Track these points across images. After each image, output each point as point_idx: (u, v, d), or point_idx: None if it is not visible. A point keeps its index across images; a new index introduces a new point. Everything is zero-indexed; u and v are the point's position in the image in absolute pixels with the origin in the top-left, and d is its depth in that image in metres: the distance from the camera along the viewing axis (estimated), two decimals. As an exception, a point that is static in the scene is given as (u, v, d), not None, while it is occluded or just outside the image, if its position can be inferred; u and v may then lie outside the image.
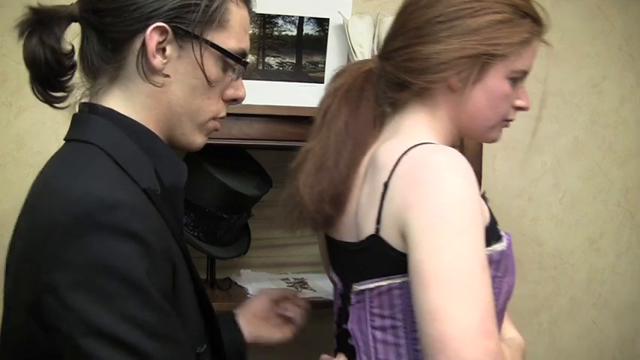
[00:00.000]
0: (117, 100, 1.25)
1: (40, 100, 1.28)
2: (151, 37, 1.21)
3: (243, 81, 2.08)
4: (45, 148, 2.22)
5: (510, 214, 2.67)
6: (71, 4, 1.27)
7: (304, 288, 2.21)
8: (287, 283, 2.26)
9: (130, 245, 1.06)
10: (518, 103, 1.49)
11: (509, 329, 1.58)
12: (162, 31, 1.21)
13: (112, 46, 1.24)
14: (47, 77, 1.25)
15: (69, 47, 1.27)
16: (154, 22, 1.21)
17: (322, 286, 2.20)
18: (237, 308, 1.72)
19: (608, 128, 2.77)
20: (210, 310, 1.36)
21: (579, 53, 2.72)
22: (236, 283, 2.25)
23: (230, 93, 1.33)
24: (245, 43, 1.31)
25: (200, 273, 2.20)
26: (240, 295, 2.13)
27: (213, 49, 1.26)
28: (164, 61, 1.23)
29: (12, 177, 2.22)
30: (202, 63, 1.24)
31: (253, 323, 1.69)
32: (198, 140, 1.33)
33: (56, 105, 1.29)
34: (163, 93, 1.25)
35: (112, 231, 1.06)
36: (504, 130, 1.54)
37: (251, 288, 2.17)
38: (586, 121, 2.75)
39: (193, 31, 1.23)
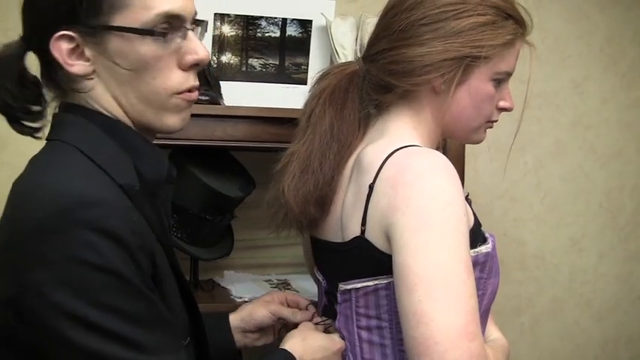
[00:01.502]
0: (85, 102, 1.24)
1: (22, 134, 1.27)
2: (56, 47, 1.18)
3: (227, 82, 2.10)
4: (28, 149, 2.16)
5: (492, 215, 2.68)
6: (19, 36, 1.25)
7: (287, 289, 2.21)
8: (270, 284, 2.26)
9: (106, 241, 1.07)
10: (502, 104, 1.50)
11: (492, 330, 1.59)
12: (68, 37, 1.18)
13: (46, 67, 1.23)
14: (15, 115, 1.25)
15: (32, 78, 1.26)
16: (55, 33, 1.17)
17: (305, 286, 2.20)
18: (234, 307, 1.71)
19: (590, 129, 2.79)
20: (193, 304, 1.36)
21: (561, 54, 2.74)
22: (219, 285, 2.25)
23: (187, 59, 1.24)
24: (166, 5, 1.20)
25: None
26: (223, 296, 2.14)
27: (126, 33, 1.18)
28: (87, 64, 1.20)
29: None
30: (109, 52, 1.19)
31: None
32: (170, 121, 1.27)
33: (36, 135, 1.28)
34: (107, 92, 1.23)
35: (89, 227, 1.06)
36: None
37: (234, 289, 2.17)
38: (568, 122, 2.77)
39: (92, 25, 1.17)
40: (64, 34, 1.17)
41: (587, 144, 2.79)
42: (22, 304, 1.07)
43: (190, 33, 1.25)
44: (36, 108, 1.26)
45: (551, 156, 2.75)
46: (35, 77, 1.27)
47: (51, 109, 1.29)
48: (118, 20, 1.18)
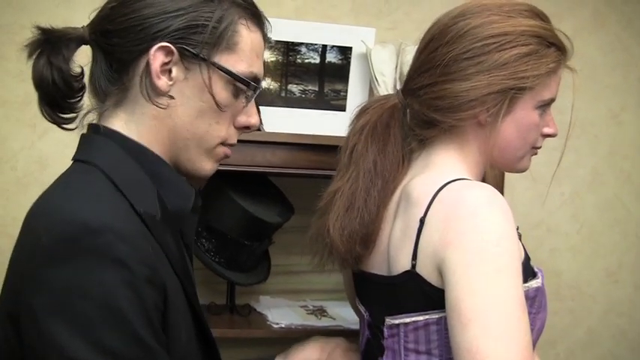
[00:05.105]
0: (122, 122, 1.23)
1: (49, 120, 1.26)
2: (155, 57, 1.19)
3: (267, 108, 2.12)
4: (68, 170, 2.24)
5: (528, 245, 2.61)
6: (82, 27, 1.26)
7: (323, 316, 2.21)
8: (306, 310, 2.26)
9: (113, 271, 1.04)
10: (546, 130, 1.49)
11: None
12: (167, 51, 1.19)
13: (117, 66, 1.23)
14: (55, 98, 1.24)
15: (78, 69, 1.26)
16: (158, 43, 1.19)
17: (341, 313, 2.20)
18: (282, 353, 1.66)
19: (627, 159, 2.77)
20: (208, 336, 1.32)
21: (598, 84, 2.72)
22: (255, 310, 2.25)
23: (242, 120, 1.29)
24: (257, 68, 1.27)
25: (220, 298, 2.23)
26: (259, 322, 2.14)
27: (221, 72, 1.23)
28: (170, 82, 1.20)
29: (35, 198, 2.22)
30: (210, 85, 1.21)
31: None
32: (207, 167, 1.29)
33: (65, 126, 1.27)
34: (169, 116, 1.22)
35: (95, 256, 1.04)
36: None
37: (270, 315, 2.17)
38: (605, 151, 2.75)
39: (200, 52, 1.20)
40: (166, 47, 1.19)
41: (624, 174, 2.77)
42: (19, 324, 1.07)
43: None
44: (73, 99, 1.26)
45: (587, 186, 2.74)
46: (82, 68, 1.27)
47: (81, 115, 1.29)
48: (220, 60, 1.23)
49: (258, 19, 1.29)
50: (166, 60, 1.19)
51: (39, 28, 1.22)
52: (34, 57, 1.22)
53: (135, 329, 1.05)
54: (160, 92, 1.20)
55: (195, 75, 1.21)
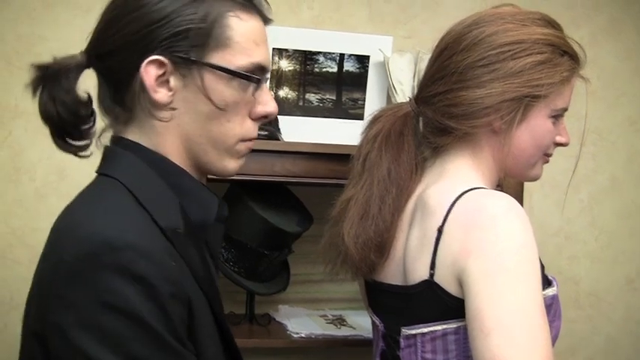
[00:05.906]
0: (137, 138, 1.23)
1: (64, 151, 1.25)
2: (147, 71, 1.17)
3: (285, 117, 2.12)
4: (87, 180, 2.18)
5: (546, 253, 2.64)
6: (80, 52, 1.24)
7: (343, 325, 2.20)
8: (325, 319, 2.25)
9: (135, 287, 1.04)
10: (559, 139, 1.49)
11: None
12: (159, 63, 1.17)
13: (117, 87, 1.21)
14: (65, 129, 1.23)
15: (84, 96, 1.24)
16: (147, 57, 1.16)
17: (361, 322, 2.20)
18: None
19: (646, 166, 2.76)
20: (234, 349, 1.31)
21: (616, 91, 2.71)
22: (275, 319, 2.24)
23: (258, 110, 1.26)
24: (258, 56, 1.23)
25: (239, 308, 2.23)
26: (279, 332, 2.14)
27: (219, 71, 1.20)
28: (170, 93, 1.18)
29: (53, 208, 2.19)
30: (204, 87, 1.18)
31: None
32: (230, 165, 1.27)
33: (80, 154, 1.26)
34: (177, 125, 1.21)
35: (117, 272, 1.04)
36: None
37: (290, 324, 2.17)
38: (623, 158, 2.73)
39: (192, 57, 1.18)
40: (157, 60, 1.17)
41: (643, 181, 2.76)
42: (47, 343, 1.07)
43: (264, 85, 1.27)
44: (84, 126, 1.25)
45: (606, 193, 2.72)
46: (88, 94, 1.25)
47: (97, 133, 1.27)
48: (215, 58, 1.19)
49: (250, 6, 1.25)
50: (160, 72, 1.17)
51: (35, 65, 1.21)
52: (37, 94, 1.22)
53: (163, 338, 1.06)
54: (160, 106, 1.19)
55: (193, 80, 1.19)
